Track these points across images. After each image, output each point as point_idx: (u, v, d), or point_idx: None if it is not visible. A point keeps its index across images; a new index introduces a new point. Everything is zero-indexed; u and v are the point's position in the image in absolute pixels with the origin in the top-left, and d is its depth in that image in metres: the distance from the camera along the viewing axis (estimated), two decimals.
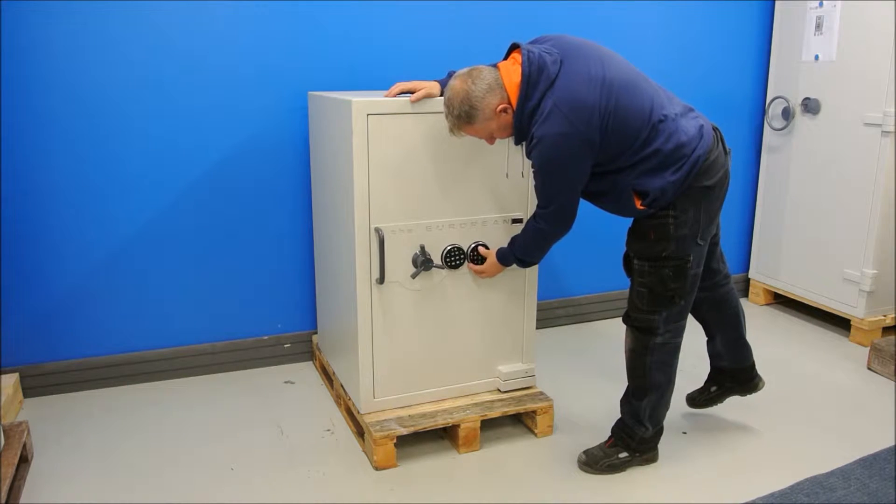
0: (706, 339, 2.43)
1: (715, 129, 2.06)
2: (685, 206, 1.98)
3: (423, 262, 2.23)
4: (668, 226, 1.99)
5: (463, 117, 1.96)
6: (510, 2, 2.98)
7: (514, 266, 2.25)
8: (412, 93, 2.14)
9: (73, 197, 2.58)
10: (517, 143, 2.04)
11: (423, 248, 2.24)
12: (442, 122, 2.07)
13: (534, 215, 2.09)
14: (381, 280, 2.21)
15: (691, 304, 2.14)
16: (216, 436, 2.41)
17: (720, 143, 2.05)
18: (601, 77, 1.89)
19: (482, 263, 2.30)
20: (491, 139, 2.07)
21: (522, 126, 1.95)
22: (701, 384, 2.51)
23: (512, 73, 1.93)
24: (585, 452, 2.24)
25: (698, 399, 2.50)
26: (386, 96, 2.15)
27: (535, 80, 1.89)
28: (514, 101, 1.93)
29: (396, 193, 2.19)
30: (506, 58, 2.03)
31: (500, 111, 1.94)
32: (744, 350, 2.39)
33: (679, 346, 2.17)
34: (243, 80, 2.69)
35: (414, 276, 2.25)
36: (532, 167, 1.99)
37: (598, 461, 2.21)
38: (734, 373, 2.42)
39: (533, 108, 1.90)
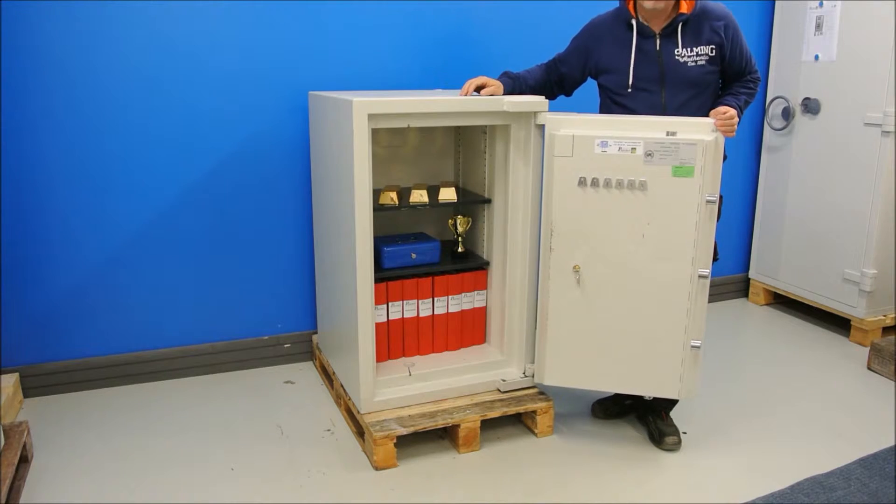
0: None
1: None
2: None
3: None
4: None
5: None
6: (510, 1, 2.98)
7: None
8: (479, 89, 2.23)
9: (73, 197, 2.58)
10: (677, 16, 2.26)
11: None
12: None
13: (752, 79, 2.34)
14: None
15: None
16: (216, 436, 2.41)
17: None
18: None
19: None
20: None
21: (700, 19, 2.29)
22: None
23: None
24: (673, 434, 2.32)
25: (611, 409, 2.53)
26: (461, 95, 2.20)
27: None
28: None
29: None
30: None
31: None
32: None
33: None
34: (243, 80, 2.69)
35: None
36: (736, 43, 2.32)
37: (676, 432, 2.33)
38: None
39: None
